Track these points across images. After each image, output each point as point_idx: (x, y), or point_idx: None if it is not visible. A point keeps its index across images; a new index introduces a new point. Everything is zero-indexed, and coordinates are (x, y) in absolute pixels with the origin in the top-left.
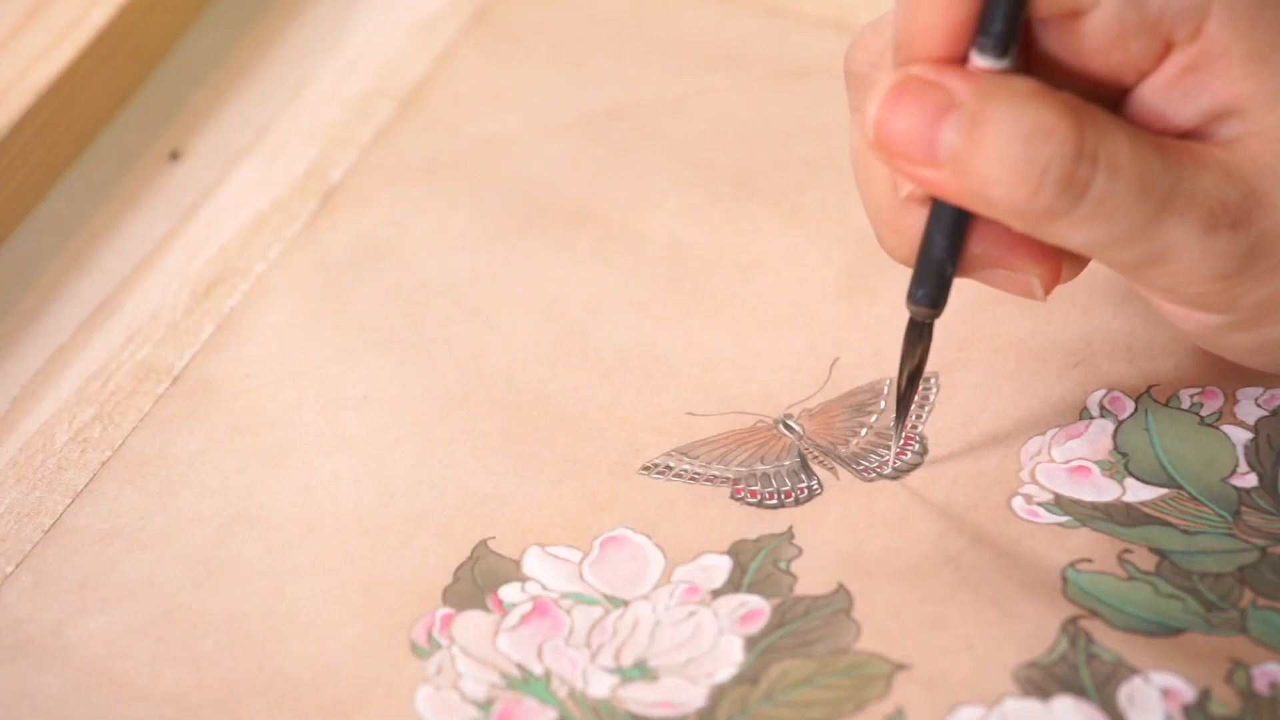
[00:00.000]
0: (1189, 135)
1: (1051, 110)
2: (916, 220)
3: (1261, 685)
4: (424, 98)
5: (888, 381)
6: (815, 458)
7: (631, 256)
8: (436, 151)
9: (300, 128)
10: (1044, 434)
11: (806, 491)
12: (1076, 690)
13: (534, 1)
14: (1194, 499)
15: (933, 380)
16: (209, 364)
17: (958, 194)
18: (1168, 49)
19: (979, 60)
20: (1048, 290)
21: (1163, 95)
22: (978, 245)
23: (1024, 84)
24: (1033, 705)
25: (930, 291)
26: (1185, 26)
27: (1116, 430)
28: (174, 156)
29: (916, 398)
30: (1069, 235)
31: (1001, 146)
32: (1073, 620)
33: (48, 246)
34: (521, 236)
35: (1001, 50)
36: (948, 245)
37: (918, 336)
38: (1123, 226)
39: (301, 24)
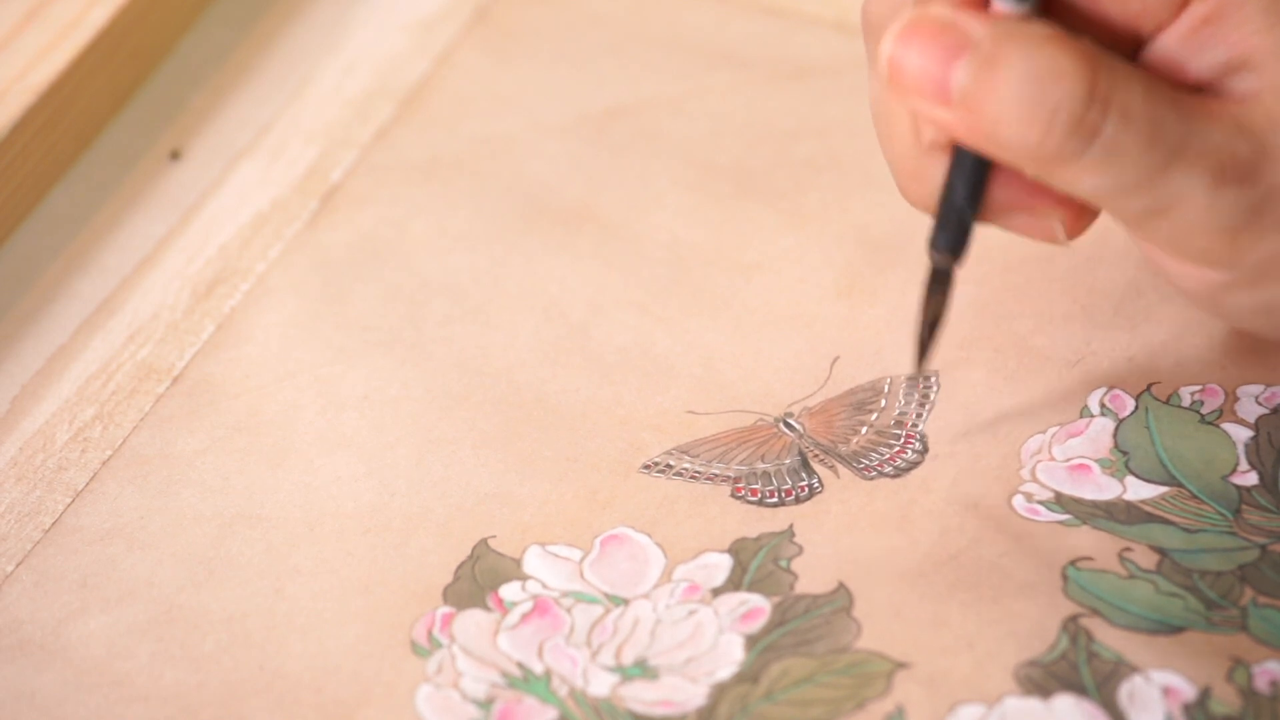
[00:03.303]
0: (1203, 88)
1: (1066, 54)
2: (938, 168)
3: (1262, 683)
4: (424, 98)
5: (888, 380)
6: (816, 456)
7: (632, 256)
8: (436, 151)
9: (300, 128)
10: (1044, 432)
11: (807, 490)
12: (1077, 689)
13: (534, 1)
14: (1194, 497)
15: (933, 379)
16: (209, 364)
17: (969, 134)
18: (1186, 1)
19: (1000, 5)
20: (1071, 235)
21: (1179, 47)
22: (1000, 190)
23: (1040, 28)
24: (1033, 704)
25: (951, 238)
26: None
27: (1117, 428)
28: (174, 156)
29: (917, 396)
30: (1079, 181)
31: (1013, 87)
32: (1073, 618)
33: (48, 246)
34: (522, 236)
35: None
36: (968, 192)
37: (938, 285)
38: (1132, 174)
39: (302, 24)
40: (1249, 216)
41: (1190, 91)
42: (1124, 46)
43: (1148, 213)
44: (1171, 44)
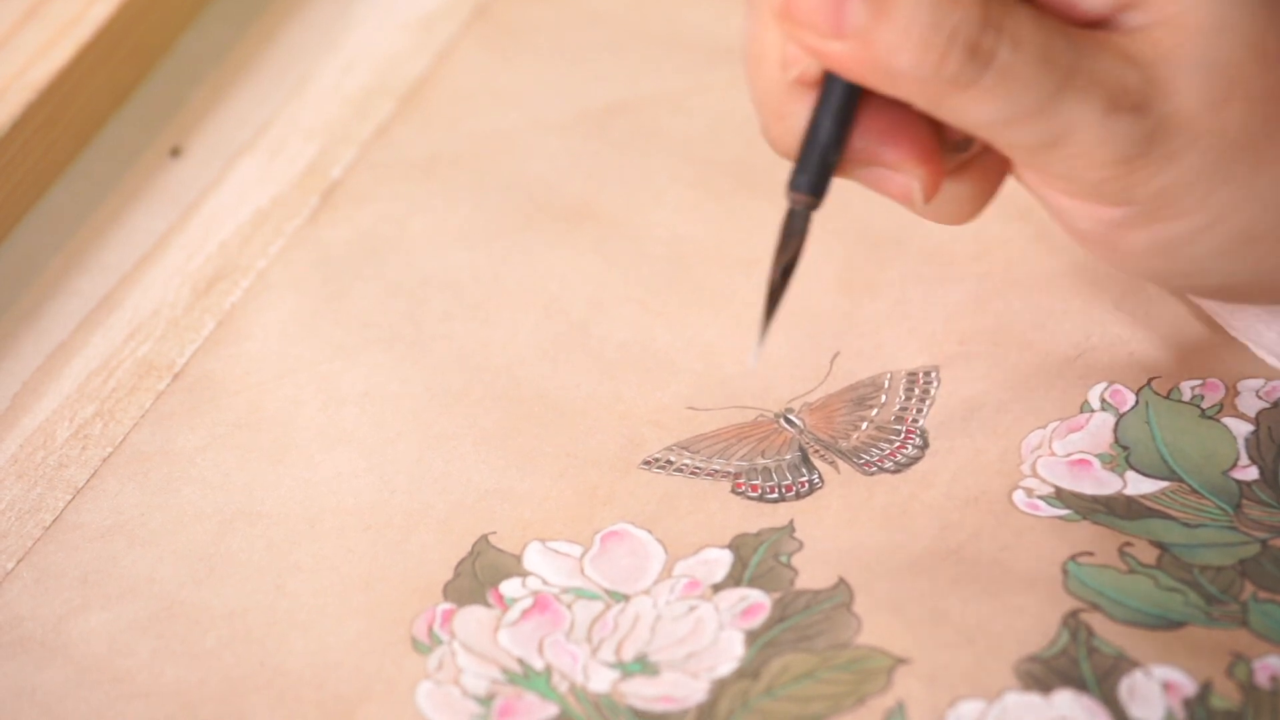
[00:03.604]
0: (1092, 26)
1: None
2: (802, 108)
3: (1262, 678)
4: (424, 95)
5: (888, 375)
6: (816, 452)
7: (632, 252)
8: (436, 148)
9: (300, 125)
10: (1045, 427)
11: (807, 485)
12: (1077, 684)
13: None
14: (1195, 492)
15: (934, 374)
16: (210, 360)
17: (861, 66)
18: None
19: None
20: (927, 196)
21: None
22: (860, 139)
23: None
24: (1033, 699)
25: (812, 179)
26: None
27: (1117, 423)
28: (174, 153)
29: (918, 391)
30: (972, 109)
31: (909, 14)
32: (1073, 614)
33: (49, 243)
34: (522, 233)
35: None
36: (833, 129)
37: (795, 228)
38: (1026, 100)
39: (302, 21)
40: (1142, 146)
41: (1078, 27)
42: None
43: (1041, 144)
44: None
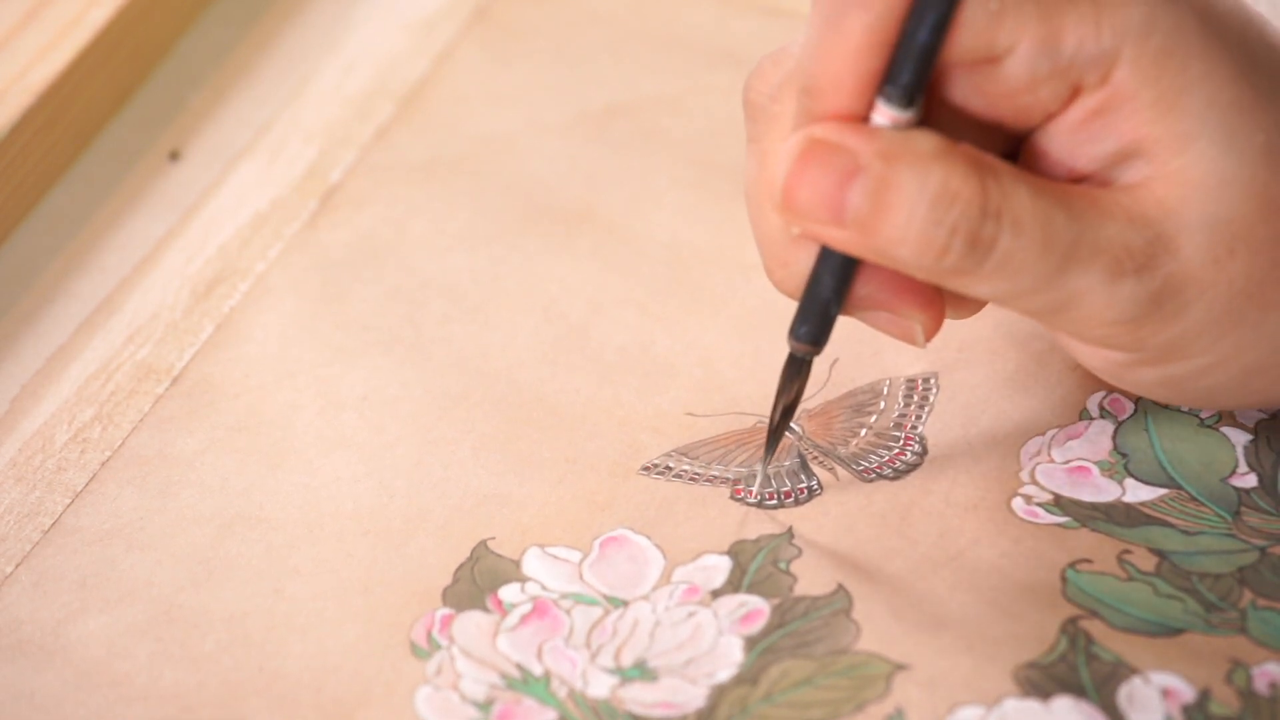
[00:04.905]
0: (1092, 178)
1: (956, 172)
2: (805, 257)
3: (1261, 685)
4: (424, 97)
5: (886, 382)
6: (815, 458)
7: (631, 256)
8: (436, 151)
9: (300, 127)
10: (1044, 435)
11: (806, 492)
12: (1076, 690)
13: (533, 0)
14: (1194, 499)
15: (933, 381)
16: (209, 364)
17: (862, 251)
18: (1076, 93)
19: (884, 108)
20: (929, 337)
21: (1068, 137)
22: (863, 287)
23: (926, 143)
24: (1032, 705)
25: (813, 330)
26: (1095, 72)
27: (1116, 431)
28: (173, 156)
29: (916, 398)
30: (974, 288)
31: (908, 210)
32: (1072, 620)
33: (47, 246)
34: (521, 236)
35: (907, 101)
36: (834, 286)
37: (796, 372)
38: (1027, 280)
39: (301, 23)
40: (1148, 306)
41: (1077, 183)
42: (1010, 136)
43: (1047, 310)
44: (1061, 133)
